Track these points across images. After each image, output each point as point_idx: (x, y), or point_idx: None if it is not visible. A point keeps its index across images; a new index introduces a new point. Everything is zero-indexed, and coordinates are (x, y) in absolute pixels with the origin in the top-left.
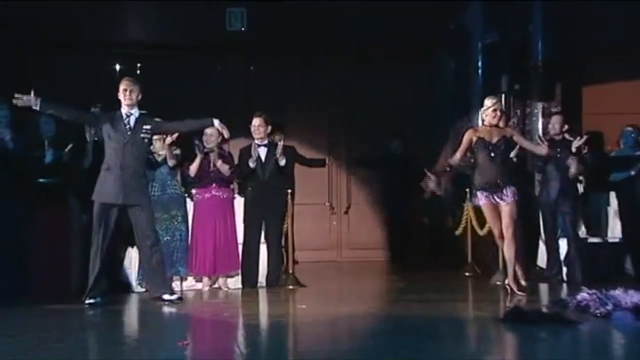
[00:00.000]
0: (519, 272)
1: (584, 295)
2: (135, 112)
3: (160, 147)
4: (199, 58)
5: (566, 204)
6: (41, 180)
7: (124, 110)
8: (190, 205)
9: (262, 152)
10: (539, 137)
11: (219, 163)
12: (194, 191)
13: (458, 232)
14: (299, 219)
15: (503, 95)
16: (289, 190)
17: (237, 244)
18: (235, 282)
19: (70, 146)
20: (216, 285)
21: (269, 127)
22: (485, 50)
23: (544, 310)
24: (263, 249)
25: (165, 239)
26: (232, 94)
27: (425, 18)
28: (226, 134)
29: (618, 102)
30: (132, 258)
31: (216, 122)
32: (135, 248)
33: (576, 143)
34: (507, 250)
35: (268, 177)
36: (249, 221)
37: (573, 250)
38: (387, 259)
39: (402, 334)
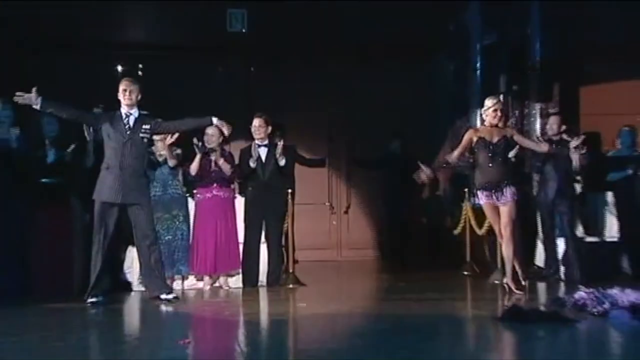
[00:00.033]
0: (519, 271)
1: (581, 294)
2: (135, 112)
3: (162, 147)
4: (200, 59)
5: (564, 204)
6: (44, 180)
7: (124, 110)
8: (191, 204)
9: (263, 152)
10: (537, 137)
11: (221, 162)
12: (195, 191)
13: (457, 231)
14: (299, 219)
15: (501, 96)
16: (289, 190)
17: (237, 243)
18: (236, 281)
19: (72, 146)
20: (217, 284)
21: (269, 128)
22: (484, 51)
23: (542, 308)
24: (263, 249)
25: (166, 238)
26: (232, 95)
27: (424, 19)
28: (226, 131)
29: (615, 103)
30: (133, 257)
31: (215, 119)
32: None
33: (574, 143)
34: (506, 249)
35: (268, 177)
36: (250, 221)
37: (571, 250)
38: (385, 259)
39: (402, 332)
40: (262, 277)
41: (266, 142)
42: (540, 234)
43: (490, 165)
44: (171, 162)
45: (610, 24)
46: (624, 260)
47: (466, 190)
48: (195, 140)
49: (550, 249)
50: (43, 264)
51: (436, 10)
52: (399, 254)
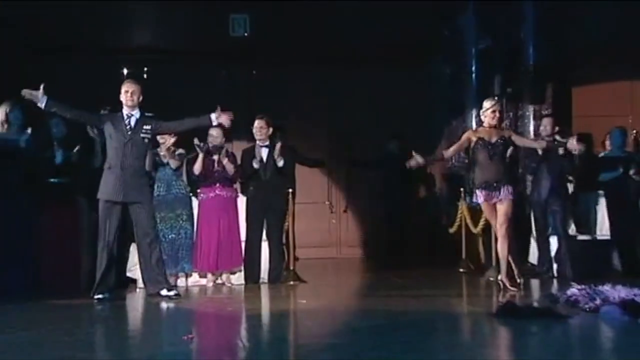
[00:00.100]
0: (514, 269)
1: (573, 290)
2: (136, 112)
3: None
4: (203, 62)
5: (556, 203)
6: (52, 180)
7: (125, 111)
8: (195, 204)
9: (264, 153)
10: (531, 139)
11: (225, 161)
12: (198, 190)
13: (452, 230)
14: (300, 218)
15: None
16: (290, 190)
17: (240, 241)
18: (238, 278)
19: (77, 147)
20: (220, 281)
21: (270, 129)
22: (479, 55)
23: (536, 305)
24: (265, 247)
25: (170, 237)
26: (235, 97)
27: (421, 25)
28: (226, 121)
29: (607, 105)
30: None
31: (213, 116)
32: None
33: (570, 142)
34: (501, 247)
35: (269, 177)
36: (251, 219)
37: (563, 248)
38: (383, 256)
39: (399, 328)
40: (264, 274)
41: (267, 143)
42: (534, 233)
43: (489, 165)
44: (173, 164)
45: (601, 27)
46: (614, 258)
47: (462, 189)
48: (196, 141)
49: (544, 247)
50: (51, 261)
51: (432, 15)
52: (397, 252)
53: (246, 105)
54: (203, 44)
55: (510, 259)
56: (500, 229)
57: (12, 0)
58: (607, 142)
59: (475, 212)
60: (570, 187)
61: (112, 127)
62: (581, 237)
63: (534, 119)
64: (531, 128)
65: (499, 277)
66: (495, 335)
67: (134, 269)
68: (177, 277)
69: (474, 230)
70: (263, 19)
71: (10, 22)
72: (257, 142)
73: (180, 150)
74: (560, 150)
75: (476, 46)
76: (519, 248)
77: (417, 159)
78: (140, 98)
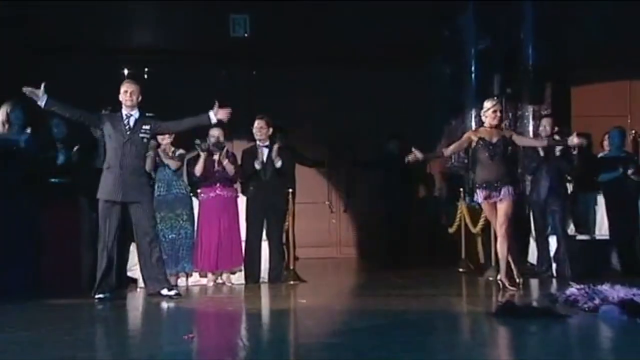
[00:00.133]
0: (514, 269)
1: (572, 290)
2: (136, 112)
3: (169, 150)
4: (204, 63)
5: (556, 203)
6: (53, 180)
7: (125, 111)
8: (195, 204)
9: (264, 153)
10: (532, 138)
11: (226, 162)
12: (199, 190)
13: (452, 230)
14: (300, 218)
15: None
16: (290, 190)
17: (240, 241)
18: (238, 278)
19: (77, 147)
20: (220, 281)
21: (270, 129)
22: (478, 55)
23: (535, 304)
24: (265, 246)
25: (170, 237)
26: (235, 98)
27: (421, 25)
28: (225, 116)
29: (606, 105)
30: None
31: (212, 113)
32: None
33: (571, 140)
34: (500, 246)
35: (269, 177)
36: (251, 219)
37: (562, 248)
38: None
39: (399, 327)
40: (264, 273)
41: (267, 143)
42: (533, 233)
43: (490, 165)
44: (172, 165)
45: (600, 27)
46: (613, 258)
47: (461, 189)
48: (198, 141)
49: (543, 247)
50: (51, 261)
51: (432, 15)
52: (397, 252)
53: (246, 106)
54: (203, 44)
55: (509, 258)
56: (500, 228)
57: (12, 0)
58: (605, 143)
59: (474, 212)
60: (570, 187)
61: (111, 127)
62: (580, 237)
63: (533, 119)
64: (530, 128)
65: (499, 277)
66: (495, 334)
67: (134, 269)
68: (177, 277)
69: (474, 230)
70: (263, 19)
71: (10, 22)
72: (257, 142)
73: (180, 151)
74: (558, 151)
75: (476, 46)
76: (518, 248)
77: (416, 155)
78: (140, 98)
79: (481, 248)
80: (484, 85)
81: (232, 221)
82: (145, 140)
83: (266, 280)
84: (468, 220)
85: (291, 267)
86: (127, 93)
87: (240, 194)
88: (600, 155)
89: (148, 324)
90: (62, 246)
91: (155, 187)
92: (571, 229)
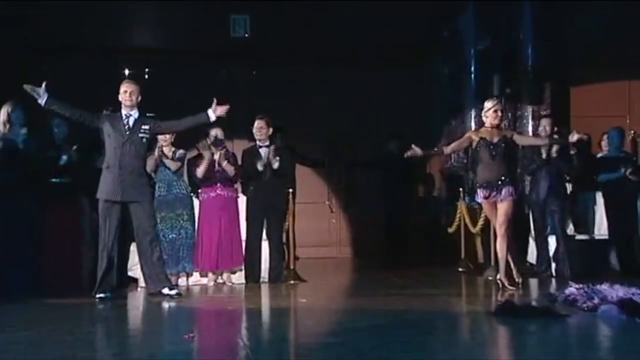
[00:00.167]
0: (513, 268)
1: (571, 289)
2: (135, 112)
3: (169, 150)
4: (204, 63)
5: (555, 203)
6: (54, 180)
7: (124, 111)
8: (196, 203)
9: (264, 153)
10: (533, 137)
11: (225, 164)
12: (200, 190)
13: (452, 229)
14: (300, 217)
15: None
16: (290, 190)
17: (240, 241)
18: (238, 277)
19: (74, 147)
20: (220, 280)
21: (270, 129)
22: (478, 55)
23: (534, 304)
24: (265, 246)
25: (170, 236)
26: (235, 98)
27: (421, 25)
28: (222, 112)
29: (606, 105)
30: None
31: (210, 112)
32: None
33: (571, 136)
34: (499, 246)
35: (269, 177)
36: (251, 219)
37: (561, 247)
38: (383, 256)
39: (398, 327)
40: (264, 273)
41: (267, 143)
42: (532, 232)
43: (491, 164)
44: (173, 166)
45: (600, 27)
46: (612, 257)
47: (461, 189)
48: (200, 144)
49: (542, 246)
50: (52, 261)
51: (432, 15)
52: (396, 252)
53: (246, 106)
54: (203, 44)
55: (509, 258)
56: (499, 228)
57: (12, 0)
58: (603, 143)
59: (474, 211)
60: (569, 187)
61: (110, 126)
62: (579, 237)
63: (533, 119)
64: (530, 128)
65: (498, 277)
66: (494, 334)
67: (135, 268)
68: (178, 277)
69: (473, 230)
70: (263, 20)
71: (10, 22)
72: (257, 142)
73: (181, 151)
74: (554, 152)
75: (475, 46)
76: (517, 248)
77: (416, 151)
78: (139, 98)
79: (480, 248)
80: (484, 86)
81: (233, 221)
82: (144, 140)
83: (266, 279)
84: (467, 220)
85: (291, 267)
86: (126, 93)
87: (240, 194)
88: (599, 155)
89: (148, 324)
90: (63, 246)
91: (156, 187)
92: (570, 229)
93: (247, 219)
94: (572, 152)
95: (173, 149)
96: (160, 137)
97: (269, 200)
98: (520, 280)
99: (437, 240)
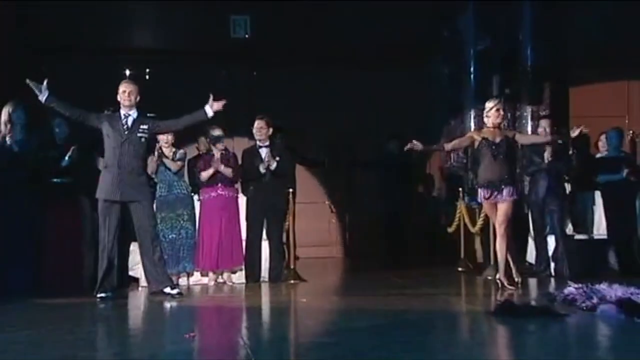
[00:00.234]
0: (513, 268)
1: (570, 289)
2: (134, 112)
3: (169, 151)
4: (204, 63)
5: (554, 203)
6: (54, 180)
7: (123, 111)
8: (197, 203)
9: (264, 153)
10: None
11: (222, 167)
12: (200, 190)
13: (451, 229)
14: (300, 217)
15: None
16: (290, 190)
17: (241, 240)
18: (239, 277)
19: (74, 147)
20: (221, 280)
21: (270, 129)
22: (477, 56)
23: (533, 303)
24: (265, 246)
25: (170, 236)
26: (235, 98)
27: (421, 25)
28: (219, 107)
29: (605, 105)
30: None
31: (207, 108)
32: None
33: (573, 132)
34: (499, 246)
35: (269, 177)
36: (252, 219)
37: (560, 247)
38: (383, 255)
39: (398, 326)
40: (264, 273)
41: (267, 143)
42: (532, 232)
43: (493, 164)
44: (173, 167)
45: (599, 27)
46: (611, 257)
47: (460, 189)
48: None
49: (541, 246)
50: (52, 261)
51: (432, 15)
52: (396, 251)
53: (246, 106)
54: (203, 44)
55: (508, 258)
56: (499, 228)
57: (12, 0)
58: (600, 143)
59: (473, 211)
60: (568, 187)
61: (109, 126)
62: (578, 237)
63: (532, 119)
64: (529, 129)
65: (497, 276)
66: (494, 333)
67: (136, 268)
68: (178, 277)
69: (473, 230)
70: (263, 20)
71: (10, 22)
72: (257, 142)
73: (181, 151)
74: (549, 157)
75: (475, 47)
76: (517, 247)
77: (416, 145)
78: (138, 98)
79: (480, 247)
80: (483, 86)
81: (233, 221)
82: (143, 140)
83: (267, 279)
84: (467, 220)
85: (291, 267)
86: (125, 93)
87: (240, 194)
88: (598, 156)
89: (149, 323)
90: (63, 246)
91: (157, 188)
92: (569, 229)
93: (247, 219)
94: (570, 152)
95: (173, 149)
96: (161, 138)
97: (269, 200)
98: (520, 279)
99: (436, 240)
